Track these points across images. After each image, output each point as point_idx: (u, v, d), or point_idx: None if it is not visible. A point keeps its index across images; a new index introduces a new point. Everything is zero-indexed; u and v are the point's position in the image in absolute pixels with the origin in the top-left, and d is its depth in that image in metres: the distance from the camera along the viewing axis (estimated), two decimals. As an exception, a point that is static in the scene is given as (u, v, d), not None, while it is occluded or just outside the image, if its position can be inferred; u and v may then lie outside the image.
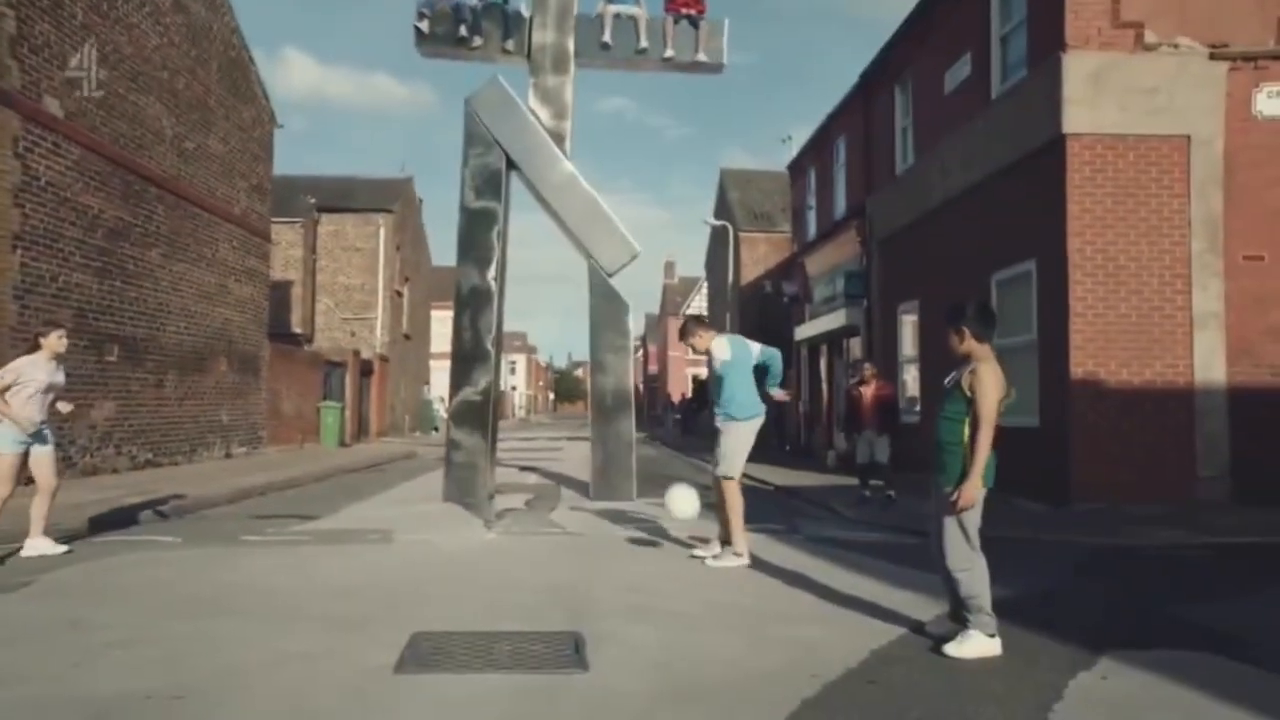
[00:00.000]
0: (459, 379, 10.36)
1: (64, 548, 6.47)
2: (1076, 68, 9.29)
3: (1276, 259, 9.32)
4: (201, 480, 11.65)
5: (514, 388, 77.65)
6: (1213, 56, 9.35)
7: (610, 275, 10.66)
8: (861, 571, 5.95)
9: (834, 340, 18.25)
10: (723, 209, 31.06)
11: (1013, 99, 10.55)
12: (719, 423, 6.36)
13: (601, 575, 5.79)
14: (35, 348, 6.50)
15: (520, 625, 4.42)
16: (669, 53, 10.79)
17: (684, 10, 10.84)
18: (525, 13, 10.78)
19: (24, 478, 6.49)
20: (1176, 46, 9.40)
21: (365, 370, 27.21)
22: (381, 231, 29.57)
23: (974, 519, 4.01)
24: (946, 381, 4.18)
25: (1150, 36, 9.40)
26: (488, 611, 4.73)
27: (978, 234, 11.40)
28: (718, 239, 31.21)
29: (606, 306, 10.70)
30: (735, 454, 6.28)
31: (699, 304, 47.21)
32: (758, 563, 6.17)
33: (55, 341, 6.51)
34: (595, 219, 10.69)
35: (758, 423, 6.36)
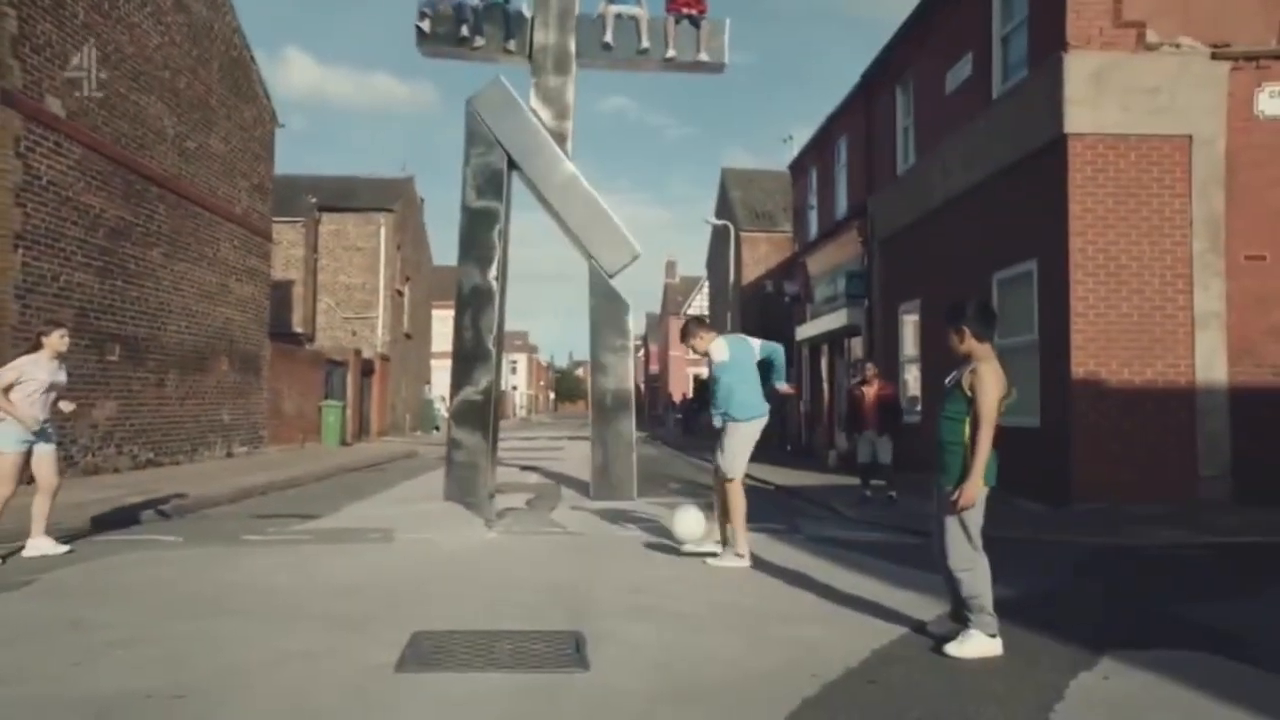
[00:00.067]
0: (460, 378, 10.37)
1: (65, 547, 6.48)
2: (1078, 67, 9.28)
3: (1278, 259, 9.31)
4: (203, 480, 11.66)
5: (515, 387, 77.68)
6: (1215, 56, 9.34)
7: (611, 276, 10.67)
8: (862, 571, 5.95)
9: (835, 340, 18.24)
10: (724, 208, 31.06)
11: (1014, 99, 10.54)
12: (716, 423, 6.36)
13: (602, 575, 5.79)
14: (37, 347, 6.50)
15: (521, 624, 4.42)
16: (670, 53, 10.79)
17: (685, 10, 10.84)
18: (527, 13, 10.79)
19: (25, 477, 6.50)
20: (1178, 46, 9.39)
21: (366, 370, 27.23)
22: (382, 231, 29.58)
23: (976, 519, 4.00)
24: (947, 381, 4.18)
25: (1152, 36, 9.39)
26: (489, 610, 4.74)
27: (979, 234, 11.39)
28: (719, 238, 31.21)
29: (607, 306, 10.70)
30: (737, 454, 6.28)
31: (700, 303, 47.25)
32: (759, 562, 6.16)
33: (57, 340, 6.51)
34: (596, 219, 10.70)
35: (761, 423, 6.35)
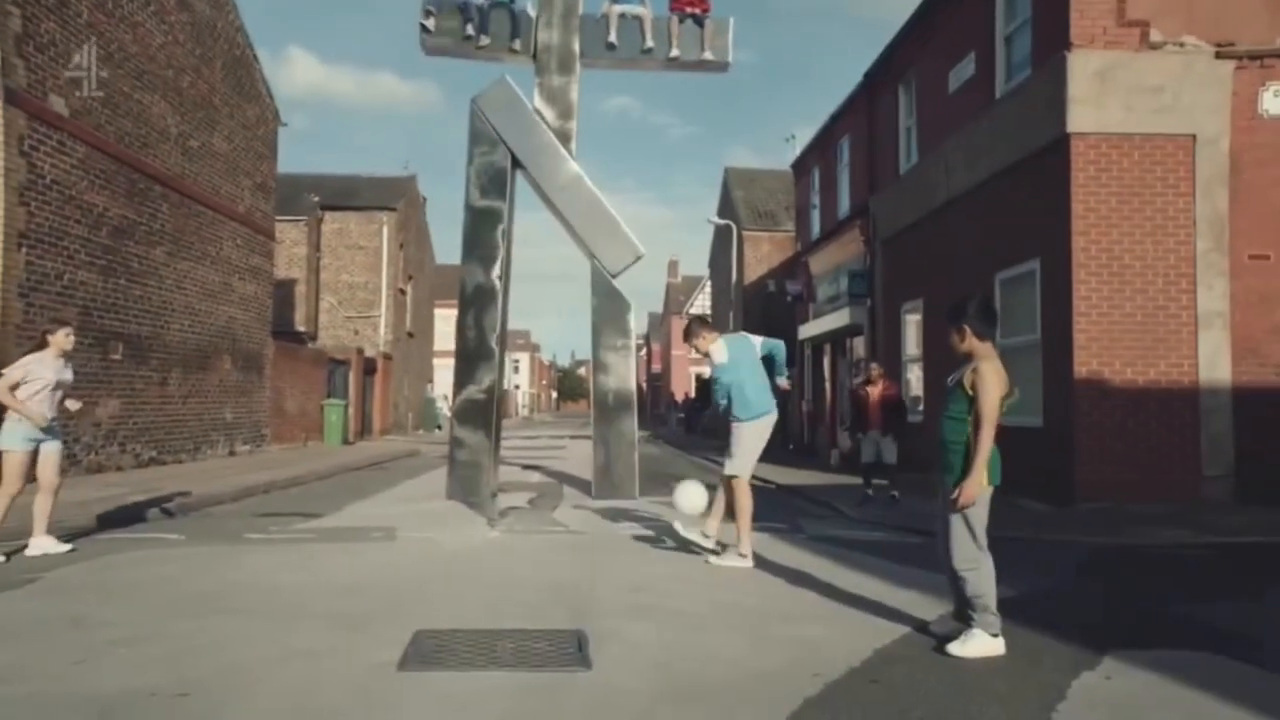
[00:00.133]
0: (463, 377, 10.38)
1: (68, 546, 6.49)
2: (1081, 67, 9.26)
3: (1282, 258, 9.29)
4: (205, 478, 11.68)
5: (517, 386, 77.69)
6: (1219, 55, 9.32)
7: (614, 276, 10.67)
8: (865, 571, 5.94)
9: (837, 339, 18.23)
10: (726, 208, 31.04)
11: (1017, 98, 10.52)
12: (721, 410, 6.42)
13: (604, 574, 5.79)
14: (43, 345, 6.52)
15: (523, 623, 4.42)
16: (674, 52, 10.79)
17: (689, 9, 10.83)
18: (531, 12, 10.79)
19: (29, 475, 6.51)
20: (1182, 45, 9.37)
21: (369, 368, 27.25)
22: (385, 230, 29.60)
23: (981, 518, 4.00)
24: (949, 381, 4.18)
25: (1156, 35, 9.37)
26: (491, 609, 4.74)
27: (982, 233, 11.38)
28: (721, 238, 31.19)
29: (609, 306, 10.70)
30: (742, 454, 6.28)
31: (702, 303, 47.25)
32: (761, 562, 6.16)
33: (63, 339, 6.53)
34: (600, 220, 10.70)
35: (768, 420, 6.34)
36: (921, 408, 13.21)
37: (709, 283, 41.11)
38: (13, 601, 4.94)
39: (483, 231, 10.50)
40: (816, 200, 20.44)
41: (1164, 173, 9.29)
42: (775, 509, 9.45)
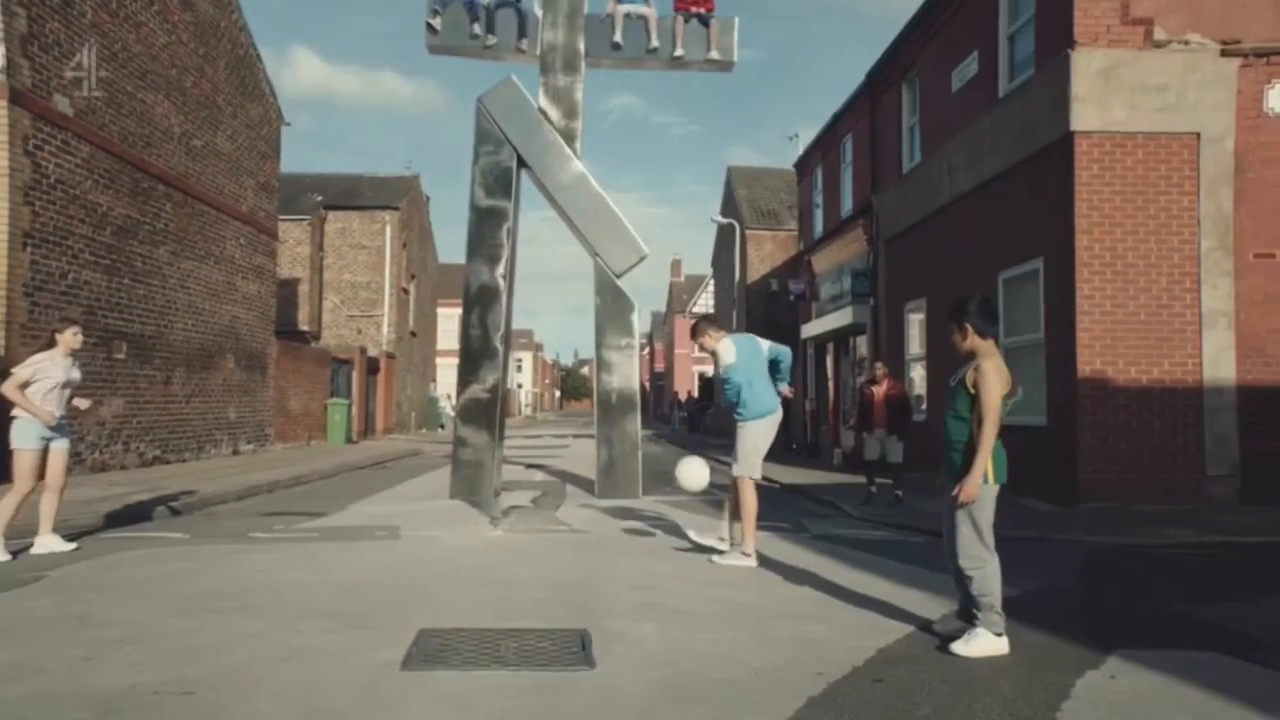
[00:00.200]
0: (467, 376, 10.39)
1: (73, 544, 6.51)
2: (1085, 65, 9.25)
3: (1287, 257, 9.26)
4: (209, 477, 11.70)
5: (520, 385, 77.75)
6: (1224, 53, 9.29)
7: (618, 276, 10.68)
8: (868, 570, 5.94)
9: (841, 338, 18.22)
10: (730, 207, 31.02)
11: (1020, 97, 10.50)
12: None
13: (607, 573, 5.79)
14: (51, 344, 6.53)
15: (526, 622, 4.43)
16: (679, 51, 10.78)
17: (693, 9, 10.83)
18: (537, 12, 10.79)
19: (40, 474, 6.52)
20: (1187, 43, 9.35)
21: (372, 367, 27.28)
22: (388, 229, 29.63)
23: (987, 517, 4.00)
24: (952, 380, 4.18)
25: (1160, 33, 9.35)
26: (494, 608, 4.74)
27: (985, 232, 11.36)
28: (724, 237, 31.18)
29: (612, 305, 10.71)
30: (748, 454, 6.28)
31: (705, 302, 47.23)
32: (764, 561, 6.16)
33: (71, 338, 6.55)
34: (604, 220, 10.71)
35: (772, 420, 6.36)
36: (924, 407, 13.19)
37: (712, 281, 41.10)
38: (18, 599, 4.96)
39: (487, 231, 10.51)
40: (819, 199, 20.42)
41: (1168, 171, 9.26)
42: (779, 508, 9.44)
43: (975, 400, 3.98)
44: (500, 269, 10.44)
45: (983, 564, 3.96)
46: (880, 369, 10.27)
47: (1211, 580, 6.04)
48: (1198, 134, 9.24)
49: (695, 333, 6.65)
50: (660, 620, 4.51)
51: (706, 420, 34.62)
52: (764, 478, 6.63)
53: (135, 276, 13.07)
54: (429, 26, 10.62)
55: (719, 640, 4.15)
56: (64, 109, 11.34)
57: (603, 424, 10.63)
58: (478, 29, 10.59)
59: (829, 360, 19.44)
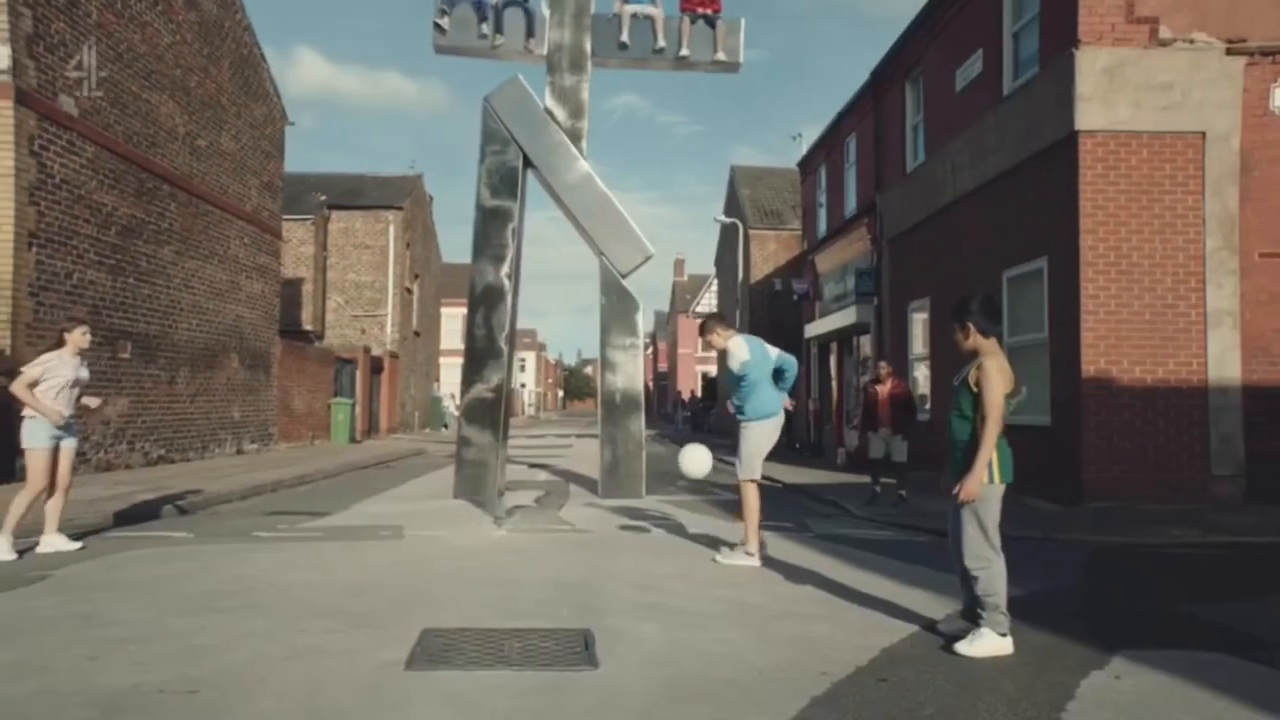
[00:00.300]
0: (471, 376, 10.40)
1: (78, 543, 6.53)
2: (1089, 64, 9.22)
3: (1293, 257, 9.23)
4: (213, 476, 11.72)
5: (524, 385, 77.75)
6: (1229, 52, 9.26)
7: (624, 276, 10.68)
8: (872, 569, 5.93)
9: (844, 338, 18.20)
10: (733, 206, 31.01)
11: (1025, 96, 10.48)
12: (730, 409, 6.43)
13: (611, 572, 5.79)
14: (60, 343, 6.55)
15: (530, 622, 4.43)
16: (684, 52, 10.78)
17: (700, 9, 10.82)
18: (545, 12, 10.79)
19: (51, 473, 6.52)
20: (1192, 42, 9.32)
21: (375, 367, 27.32)
22: (391, 229, 29.66)
23: (993, 517, 3.99)
24: (955, 379, 4.17)
25: (1165, 32, 9.32)
26: (498, 608, 4.75)
27: (988, 232, 11.34)
28: (728, 236, 31.16)
29: (617, 305, 10.71)
30: (751, 455, 6.29)
31: (709, 301, 47.21)
32: (768, 560, 6.16)
33: (79, 337, 6.57)
34: (610, 219, 10.71)
35: (774, 421, 6.36)
36: (929, 406, 13.17)
37: (715, 281, 41.08)
38: (24, 599, 4.97)
39: (493, 230, 10.52)
40: (823, 198, 20.40)
41: (1173, 170, 9.24)
42: (782, 508, 9.44)
43: (978, 399, 3.97)
44: (505, 269, 10.44)
45: (989, 564, 3.95)
46: (884, 368, 10.26)
47: (1217, 580, 6.02)
48: (1203, 133, 9.21)
49: (704, 330, 6.67)
50: (663, 620, 4.51)
51: (710, 420, 34.61)
52: (769, 479, 6.62)
53: (140, 276, 13.10)
54: (437, 26, 10.62)
55: (722, 640, 4.15)
56: (69, 109, 11.36)
57: (607, 424, 10.63)
58: (486, 29, 10.59)
59: (833, 360, 19.42)
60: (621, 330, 10.69)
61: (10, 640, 4.05)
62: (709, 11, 10.83)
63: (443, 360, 40.40)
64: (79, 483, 7.31)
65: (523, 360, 77.23)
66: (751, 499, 6.23)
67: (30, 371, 6.30)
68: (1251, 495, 8.96)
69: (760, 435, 6.31)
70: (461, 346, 10.82)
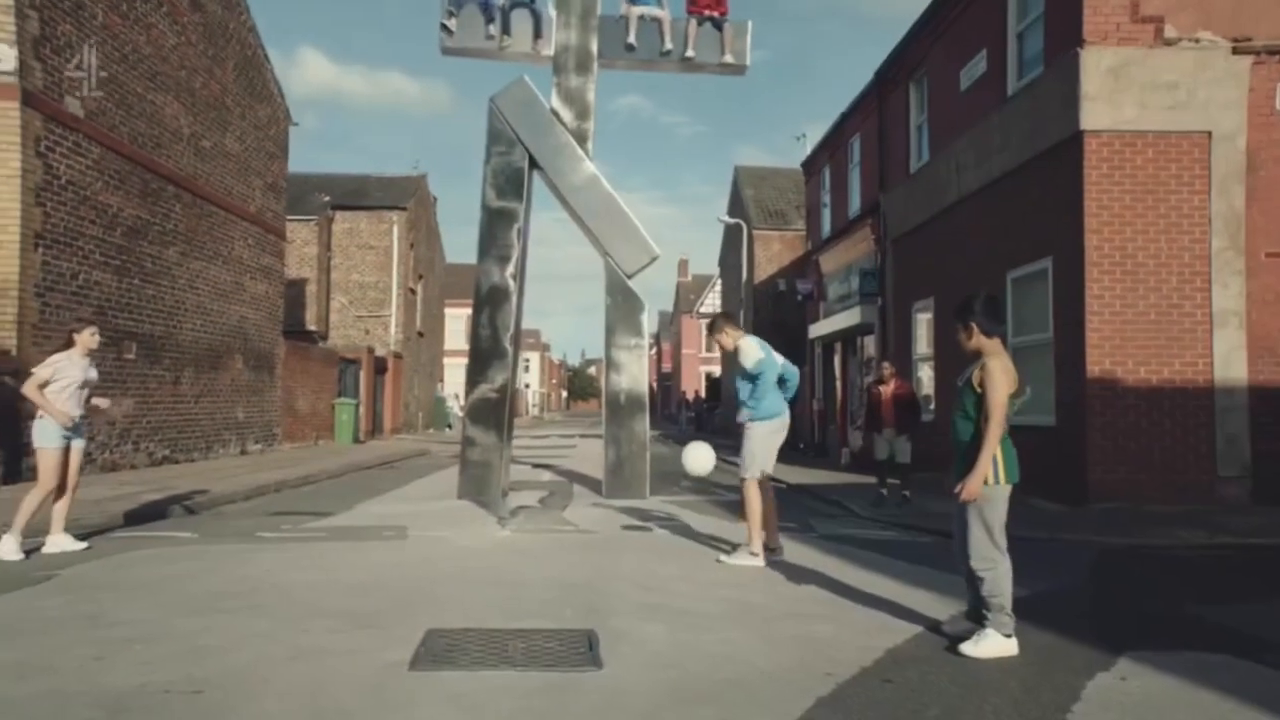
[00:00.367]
0: (476, 376, 10.41)
1: (83, 544, 6.55)
2: (1094, 64, 9.20)
3: (1299, 256, 9.20)
4: (217, 477, 11.75)
5: (528, 385, 77.82)
6: (1235, 51, 9.23)
7: (629, 277, 10.69)
8: (876, 570, 5.92)
9: (848, 338, 18.18)
10: (737, 206, 30.99)
11: (1029, 95, 10.46)
12: (741, 419, 6.40)
13: (615, 573, 5.79)
14: (69, 344, 6.57)
15: (534, 622, 4.43)
16: (691, 53, 10.78)
17: (706, 12, 10.82)
18: (551, 13, 10.80)
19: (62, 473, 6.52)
20: (1198, 41, 9.29)
21: (379, 367, 27.35)
22: (395, 229, 29.71)
23: (999, 518, 3.98)
24: (959, 380, 4.16)
25: (1170, 31, 9.30)
26: (501, 608, 4.75)
27: (993, 232, 11.32)
28: (732, 237, 31.14)
29: (623, 305, 10.71)
30: (753, 455, 6.29)
31: (712, 302, 47.19)
32: (772, 561, 6.15)
33: (88, 338, 6.59)
34: (616, 220, 10.71)
35: (780, 422, 6.36)
36: (933, 406, 13.15)
37: (719, 282, 41.07)
38: (30, 598, 4.98)
39: (499, 231, 10.53)
40: (827, 199, 20.38)
41: (1178, 170, 9.21)
42: (786, 508, 9.39)
43: (981, 399, 3.96)
44: (510, 269, 10.45)
45: (994, 565, 3.94)
46: (887, 368, 10.25)
47: (1223, 582, 6.00)
48: (1209, 132, 9.18)
49: (713, 329, 6.69)
50: (667, 621, 4.50)
51: (714, 420, 34.59)
52: (774, 479, 6.62)
53: (145, 277, 13.14)
54: (444, 28, 10.62)
55: (726, 641, 4.14)
56: (75, 110, 11.40)
57: (611, 424, 10.63)
58: (493, 30, 10.60)
59: (837, 360, 19.40)
60: (626, 331, 10.69)
61: (16, 640, 4.06)
62: (716, 14, 10.83)
63: (446, 361, 40.43)
64: (84, 483, 7.32)
65: (527, 361, 77.31)
66: (753, 498, 6.23)
67: (41, 372, 6.33)
68: (1258, 496, 8.93)
69: (764, 435, 6.31)
70: (465, 347, 10.84)
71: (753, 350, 6.36)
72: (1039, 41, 10.53)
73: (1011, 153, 10.79)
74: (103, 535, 7.21)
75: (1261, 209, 9.18)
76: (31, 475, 6.65)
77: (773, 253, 28.14)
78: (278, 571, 5.77)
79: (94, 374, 6.64)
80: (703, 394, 44.64)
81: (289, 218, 20.46)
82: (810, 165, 22.13)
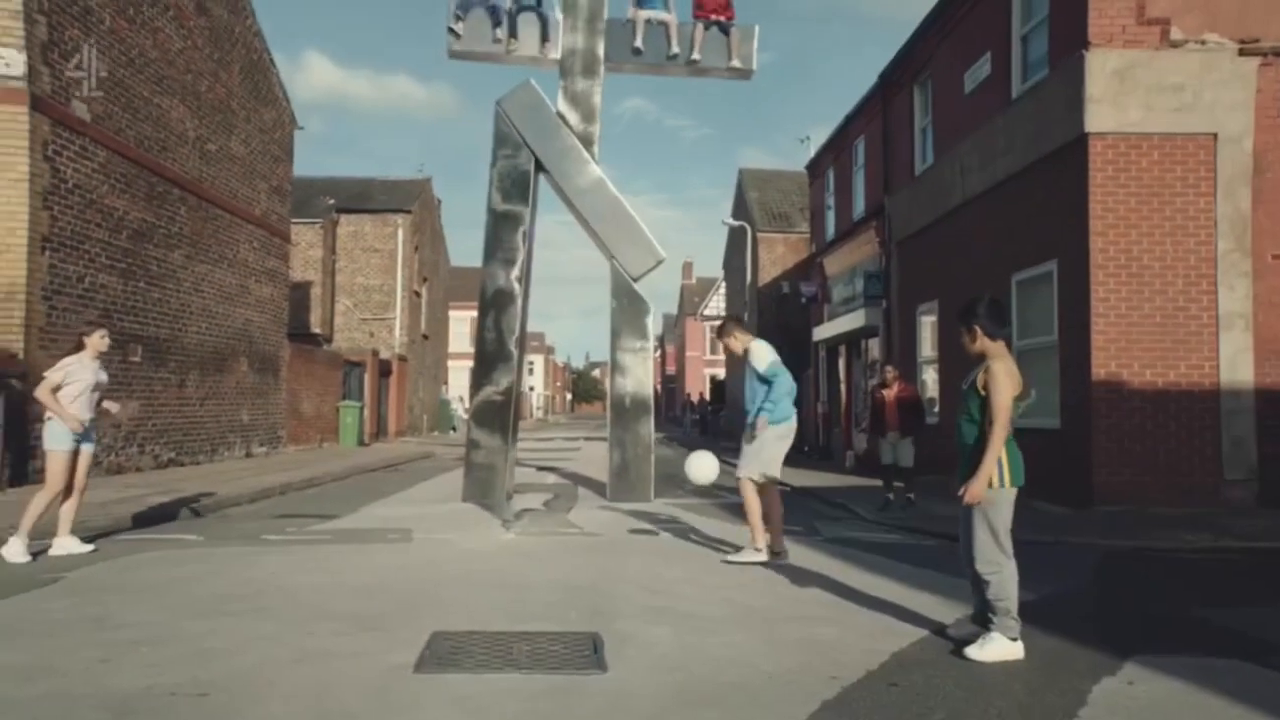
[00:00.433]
0: (481, 379, 10.42)
1: (90, 546, 6.57)
2: (1100, 66, 9.18)
3: (1306, 259, 9.16)
4: (223, 479, 11.77)
5: (532, 388, 77.84)
6: (1242, 53, 9.21)
7: (635, 280, 10.69)
8: (881, 573, 5.91)
9: (853, 341, 18.16)
10: (741, 209, 30.99)
11: (1034, 98, 10.45)
12: (752, 420, 6.39)
13: (620, 576, 5.79)
14: (79, 347, 6.60)
15: (539, 625, 4.43)
16: (697, 57, 10.78)
17: (713, 16, 10.82)
18: (558, 16, 10.82)
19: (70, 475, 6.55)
20: (1204, 43, 9.27)
21: (384, 370, 27.39)
22: (400, 232, 29.76)
23: (1004, 521, 3.97)
24: (964, 383, 4.16)
25: (1176, 33, 9.28)
26: (506, 611, 4.75)
27: (998, 234, 11.30)
28: (736, 239, 31.14)
29: (628, 308, 10.72)
30: (756, 453, 6.29)
31: (717, 305, 47.18)
32: (776, 564, 6.14)
33: (98, 341, 6.62)
34: (622, 223, 10.72)
35: (788, 426, 6.37)
36: (937, 409, 13.13)
37: (723, 284, 41.06)
38: (37, 600, 5.00)
39: (504, 234, 10.54)
40: (831, 201, 20.37)
41: (1184, 172, 9.19)
42: (791, 511, 9.37)
43: (986, 402, 3.96)
44: (516, 272, 10.46)
45: (1000, 568, 3.93)
46: (891, 372, 10.23)
47: (1229, 585, 5.97)
48: (1215, 134, 9.16)
49: (722, 333, 6.74)
50: (672, 623, 4.50)
51: (719, 423, 34.56)
52: (779, 481, 6.61)
53: (150, 280, 13.18)
54: (451, 32, 10.64)
55: (731, 644, 4.14)
56: (82, 114, 11.45)
57: (616, 427, 10.63)
58: (500, 34, 10.62)
59: (841, 363, 19.38)
60: (632, 334, 10.70)
61: (24, 642, 4.07)
62: (723, 18, 10.83)
63: (451, 363, 40.48)
64: (90, 486, 7.34)
65: (531, 363, 77.31)
66: (749, 496, 6.24)
67: (53, 376, 6.36)
68: (1264, 499, 8.89)
69: (772, 439, 6.31)
70: (470, 350, 10.85)
71: (766, 352, 6.36)
72: (1044, 44, 10.51)
73: (1016, 155, 10.77)
74: (109, 538, 7.23)
75: (1268, 211, 9.15)
76: (38, 478, 6.68)
77: (777, 255, 28.13)
78: (283, 574, 5.78)
79: (104, 377, 6.67)
80: (707, 397, 44.60)
81: (294, 221, 20.52)
82: (814, 168, 22.13)
